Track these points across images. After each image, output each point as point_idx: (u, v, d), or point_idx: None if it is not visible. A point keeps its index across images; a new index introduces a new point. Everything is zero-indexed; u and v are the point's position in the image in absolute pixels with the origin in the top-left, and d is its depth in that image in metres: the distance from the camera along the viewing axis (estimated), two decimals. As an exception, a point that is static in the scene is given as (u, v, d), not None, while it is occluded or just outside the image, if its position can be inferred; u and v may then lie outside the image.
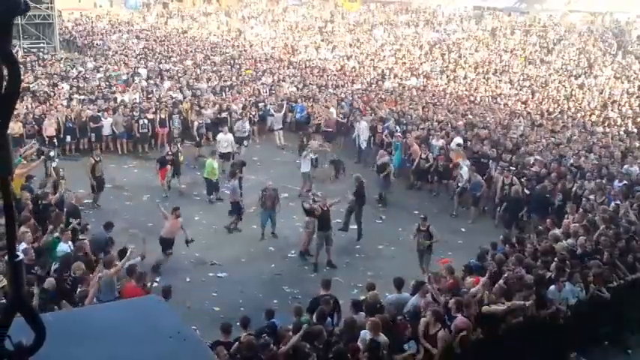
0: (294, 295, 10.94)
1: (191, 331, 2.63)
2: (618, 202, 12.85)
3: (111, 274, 8.88)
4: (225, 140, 17.16)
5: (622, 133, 20.36)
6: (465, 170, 15.43)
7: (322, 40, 38.00)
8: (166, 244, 11.64)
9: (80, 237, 10.49)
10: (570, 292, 9.35)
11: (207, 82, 24.87)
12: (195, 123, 19.31)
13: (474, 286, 9.16)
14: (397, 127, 18.84)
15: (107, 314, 2.62)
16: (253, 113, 21.27)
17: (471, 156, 16.35)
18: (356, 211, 13.84)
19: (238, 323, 8.09)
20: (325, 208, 12.46)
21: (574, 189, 13.94)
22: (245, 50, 33.39)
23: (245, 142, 18.85)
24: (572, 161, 15.75)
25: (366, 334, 7.67)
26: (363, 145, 18.94)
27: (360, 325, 7.94)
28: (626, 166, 15.13)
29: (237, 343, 7.52)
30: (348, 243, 13.43)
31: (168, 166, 15.65)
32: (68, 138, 18.18)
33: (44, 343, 1.66)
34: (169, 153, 15.89)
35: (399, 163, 17.18)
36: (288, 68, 29.49)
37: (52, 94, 20.88)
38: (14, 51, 1.50)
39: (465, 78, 29.80)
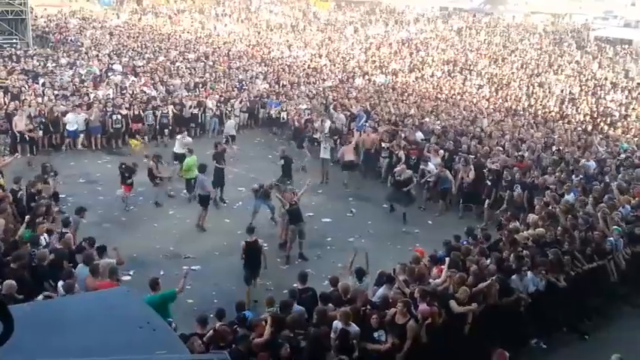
0: (266, 287, 11.12)
1: (161, 321, 2.76)
2: (575, 194, 13.35)
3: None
4: (179, 142, 16.90)
5: (580, 129, 21.11)
6: (431, 167, 15.83)
7: (295, 39, 38.19)
8: None
9: (64, 230, 10.44)
10: (531, 281, 9.70)
11: (181, 78, 24.95)
12: (158, 112, 19.86)
13: (438, 275, 9.46)
14: (366, 124, 19.24)
15: (80, 305, 2.76)
16: (229, 109, 21.75)
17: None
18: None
19: (212, 315, 8.25)
20: (293, 202, 12.54)
21: (536, 182, 14.40)
22: (218, 47, 33.39)
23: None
24: (532, 156, 16.29)
25: (337, 325, 7.84)
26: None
27: (332, 316, 8.06)
28: (582, 161, 15.70)
29: (211, 331, 7.67)
30: (320, 236, 13.65)
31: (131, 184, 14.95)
32: (40, 133, 18.10)
33: (17, 334, 1.71)
34: (123, 166, 14.94)
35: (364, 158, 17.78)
36: (261, 65, 29.65)
37: (24, 89, 20.69)
38: None
39: (432, 76, 30.36)
